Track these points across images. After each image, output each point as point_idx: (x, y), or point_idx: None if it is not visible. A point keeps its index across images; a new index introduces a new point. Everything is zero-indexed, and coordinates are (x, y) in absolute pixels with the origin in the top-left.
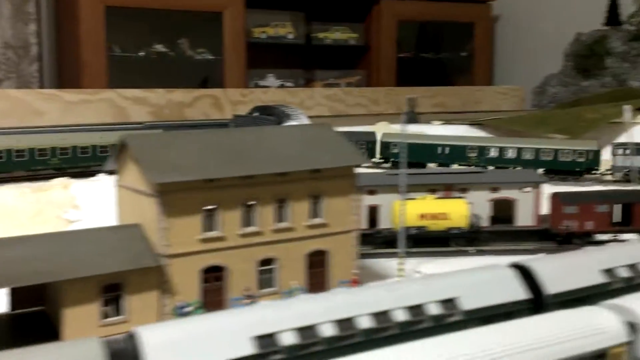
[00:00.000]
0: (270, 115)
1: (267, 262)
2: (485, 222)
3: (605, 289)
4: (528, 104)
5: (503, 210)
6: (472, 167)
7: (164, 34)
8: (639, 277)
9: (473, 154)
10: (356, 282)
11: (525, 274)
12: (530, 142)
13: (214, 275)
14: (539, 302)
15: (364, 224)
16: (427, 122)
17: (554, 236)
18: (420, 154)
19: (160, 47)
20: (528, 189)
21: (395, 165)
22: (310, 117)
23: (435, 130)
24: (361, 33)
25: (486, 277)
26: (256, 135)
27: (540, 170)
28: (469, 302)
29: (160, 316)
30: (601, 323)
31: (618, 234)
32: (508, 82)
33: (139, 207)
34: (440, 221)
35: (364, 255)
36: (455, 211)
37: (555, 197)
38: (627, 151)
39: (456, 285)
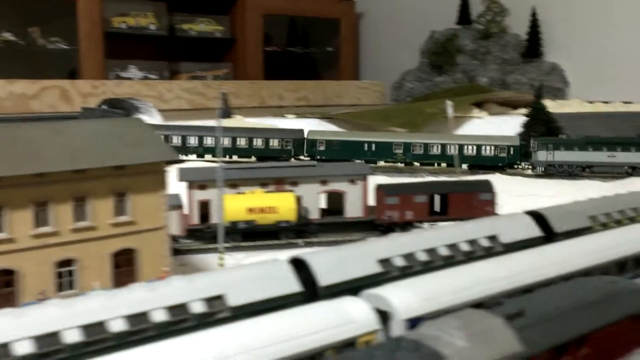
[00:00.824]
0: (120, 108)
1: (66, 263)
2: (315, 215)
3: (380, 278)
4: (388, 98)
5: (334, 203)
6: (304, 161)
7: (12, 22)
8: (416, 265)
9: (399, 151)
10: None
11: (302, 267)
12: (454, 138)
13: (3, 280)
14: (312, 293)
15: (195, 219)
16: (281, 115)
17: (379, 226)
18: (348, 151)
19: (8, 36)
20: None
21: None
22: (168, 110)
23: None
24: (227, 26)
25: (259, 273)
26: (50, 131)
27: (465, 166)
28: (237, 298)
29: None
30: (351, 313)
31: (436, 223)
32: (373, 77)
33: None
34: (269, 215)
35: (190, 251)
36: (283, 205)
37: (379, 188)
38: (550, 146)
39: (224, 283)
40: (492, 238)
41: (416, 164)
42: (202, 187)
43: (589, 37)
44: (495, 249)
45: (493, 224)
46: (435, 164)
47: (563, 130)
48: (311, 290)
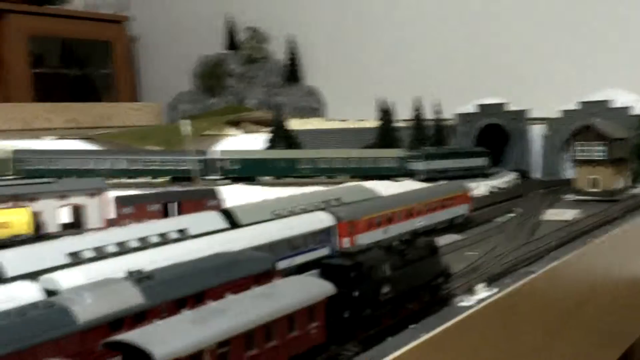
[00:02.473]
0: None
1: None
2: (55, 228)
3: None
4: (164, 120)
5: (77, 216)
6: (43, 177)
7: None
8: (106, 256)
9: (306, 166)
10: None
11: None
12: (353, 152)
13: None
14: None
15: None
16: (37, 137)
17: None
18: (255, 168)
19: None
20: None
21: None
22: None
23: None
24: None
25: None
26: None
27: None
28: None
29: None
30: (20, 293)
31: None
32: (151, 98)
33: None
34: (2, 230)
35: None
36: (17, 220)
37: (117, 199)
38: (429, 156)
39: None
40: (182, 231)
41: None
42: None
43: (341, 63)
44: (182, 240)
45: (184, 220)
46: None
47: (303, 145)
48: None
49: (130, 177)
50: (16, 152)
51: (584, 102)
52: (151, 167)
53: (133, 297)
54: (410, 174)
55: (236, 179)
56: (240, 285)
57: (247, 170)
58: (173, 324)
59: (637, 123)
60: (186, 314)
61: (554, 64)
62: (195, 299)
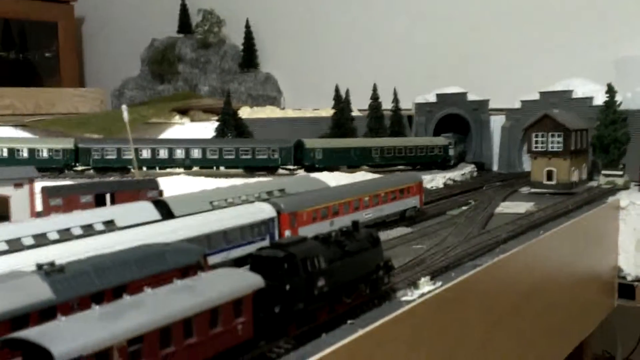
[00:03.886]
0: None
1: None
2: None
3: None
4: (109, 106)
5: (1, 208)
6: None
7: None
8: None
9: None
10: None
11: None
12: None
13: None
14: None
15: None
16: None
17: None
18: (338, 157)
19: None
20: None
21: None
22: None
23: None
24: None
25: None
26: None
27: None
28: None
29: None
30: None
31: None
32: (97, 84)
33: None
34: None
35: None
36: None
37: (43, 190)
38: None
39: None
40: (108, 223)
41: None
42: None
43: (299, 50)
44: (108, 231)
45: (111, 211)
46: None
47: (253, 133)
48: None
49: (202, 167)
50: (80, 141)
51: (543, 93)
52: (227, 157)
53: (40, 292)
54: (448, 161)
55: (316, 169)
56: (164, 279)
57: (329, 160)
58: (79, 319)
59: (598, 114)
60: (95, 309)
61: (516, 53)
62: (113, 294)
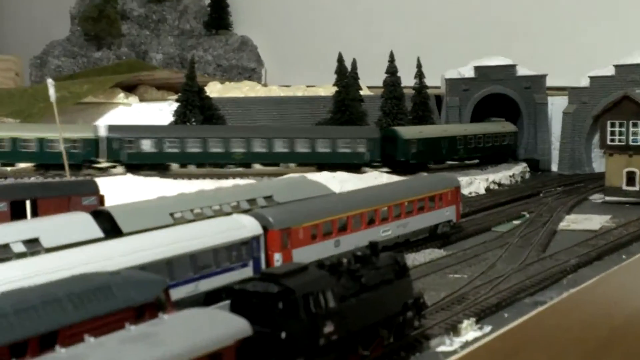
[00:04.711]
0: None
1: None
2: None
3: None
4: (27, 80)
5: None
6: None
7: None
8: None
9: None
10: None
11: None
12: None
13: None
14: None
15: None
16: None
17: None
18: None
19: None
20: None
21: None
22: None
23: None
24: None
25: None
26: None
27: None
28: None
29: None
30: None
31: None
32: (9, 49)
33: None
34: None
35: None
36: None
37: None
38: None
39: None
40: (31, 242)
41: None
42: None
43: (285, 4)
44: (31, 254)
45: (36, 226)
46: None
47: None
48: None
49: (267, 165)
50: (111, 129)
51: (620, 66)
52: (300, 151)
53: None
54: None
55: (410, 167)
56: (110, 322)
57: (422, 155)
58: None
59: None
60: None
61: (582, 13)
62: (40, 344)
